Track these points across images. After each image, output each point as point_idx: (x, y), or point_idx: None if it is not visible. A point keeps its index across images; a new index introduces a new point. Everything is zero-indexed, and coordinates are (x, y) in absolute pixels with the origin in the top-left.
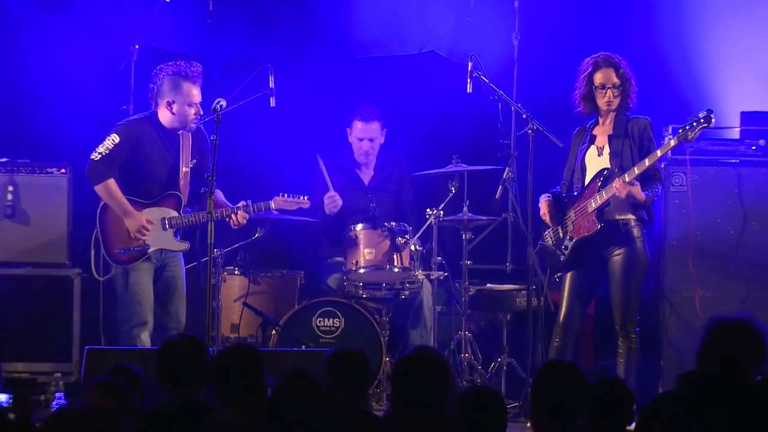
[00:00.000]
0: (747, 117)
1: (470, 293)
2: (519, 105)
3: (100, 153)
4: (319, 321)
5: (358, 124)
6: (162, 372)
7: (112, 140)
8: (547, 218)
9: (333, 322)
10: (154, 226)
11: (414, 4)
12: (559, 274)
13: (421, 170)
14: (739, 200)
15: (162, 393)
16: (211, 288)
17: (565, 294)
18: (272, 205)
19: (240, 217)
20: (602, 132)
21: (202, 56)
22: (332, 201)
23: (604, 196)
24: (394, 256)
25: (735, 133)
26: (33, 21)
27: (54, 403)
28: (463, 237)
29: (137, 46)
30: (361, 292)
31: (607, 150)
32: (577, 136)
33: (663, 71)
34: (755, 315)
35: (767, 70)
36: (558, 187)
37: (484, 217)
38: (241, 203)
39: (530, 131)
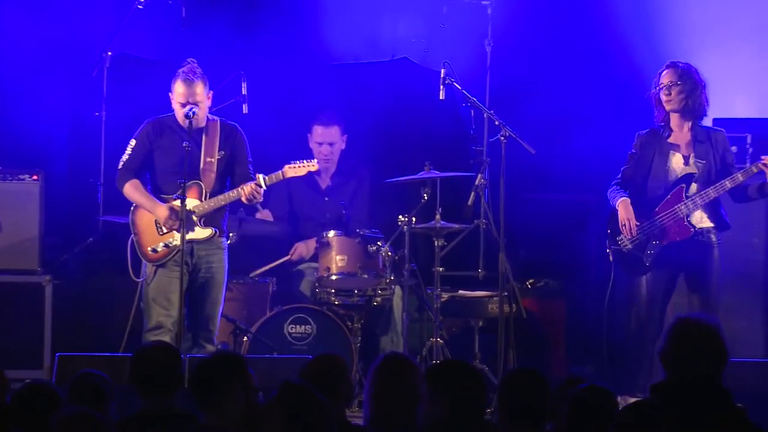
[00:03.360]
0: (719, 123)
1: (442, 300)
2: (492, 112)
3: (122, 161)
4: (291, 328)
5: (317, 129)
6: (135, 379)
7: (130, 146)
8: (633, 222)
9: (305, 329)
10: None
11: (387, 11)
12: (540, 281)
13: (393, 177)
14: None
15: (134, 400)
16: (183, 295)
17: (644, 299)
18: (281, 175)
19: (249, 189)
20: (684, 139)
21: (175, 63)
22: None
23: (698, 201)
24: (367, 263)
25: None
26: (3, 26)
27: None
28: (436, 244)
29: (110, 53)
30: (333, 298)
31: (692, 158)
32: (647, 139)
33: (637, 77)
34: (729, 319)
35: (740, 78)
36: (623, 190)
37: (456, 225)
38: (257, 176)
39: (503, 138)
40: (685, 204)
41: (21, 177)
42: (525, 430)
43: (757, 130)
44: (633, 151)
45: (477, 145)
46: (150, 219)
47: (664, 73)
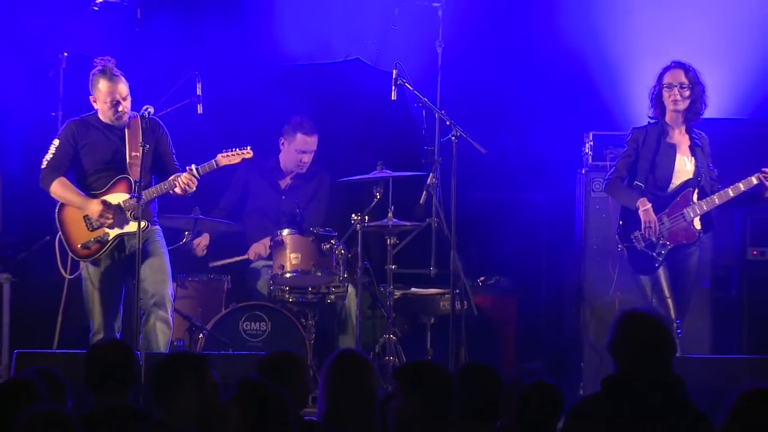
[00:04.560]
0: None
1: (395, 297)
2: (443, 112)
3: (46, 160)
4: (246, 325)
5: (301, 138)
6: (89, 377)
7: (54, 145)
8: (657, 225)
9: (259, 326)
10: (111, 212)
11: (340, 12)
12: (491, 278)
13: (346, 176)
14: None
15: (88, 396)
16: (138, 292)
17: (648, 296)
18: (215, 164)
19: (185, 179)
20: (683, 141)
21: (130, 64)
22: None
23: (704, 207)
24: (321, 261)
25: None
26: None
27: None
28: (388, 242)
29: (66, 54)
30: (287, 296)
31: (693, 161)
32: (647, 135)
33: (584, 79)
34: None
35: None
36: (624, 183)
37: (408, 223)
38: (188, 167)
39: (454, 138)
40: (692, 208)
41: None
42: (478, 426)
43: (701, 129)
44: (629, 146)
45: (428, 145)
46: (78, 215)
47: (671, 72)
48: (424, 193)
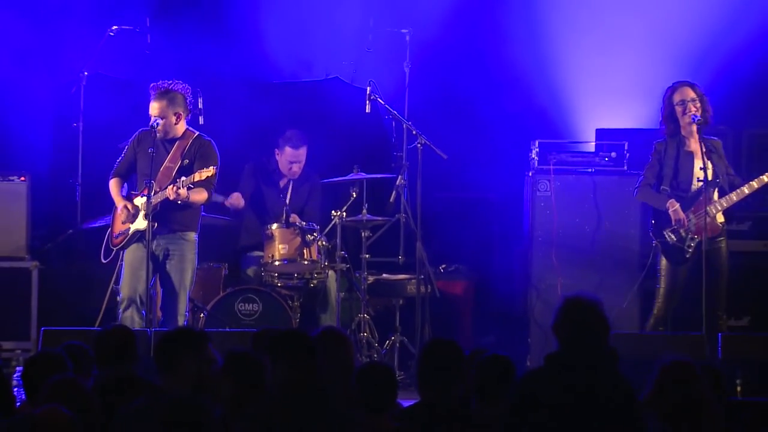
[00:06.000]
0: (601, 133)
1: (369, 282)
2: (410, 123)
3: (117, 162)
4: (241, 306)
5: (289, 151)
6: (97, 355)
7: (123, 151)
8: (687, 221)
9: (252, 307)
10: (137, 211)
11: (320, 37)
12: (451, 265)
13: (327, 178)
14: (594, 203)
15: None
16: (149, 278)
17: (665, 289)
18: (193, 178)
19: (170, 189)
20: (696, 147)
21: (141, 82)
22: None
23: (724, 204)
24: (305, 251)
25: (591, 147)
26: None
27: (15, 375)
28: (363, 234)
29: (86, 73)
30: (276, 281)
31: (710, 165)
32: (668, 146)
33: (530, 95)
34: (608, 298)
35: (618, 91)
36: (653, 189)
37: (380, 218)
38: (178, 179)
39: (419, 145)
40: (713, 205)
41: (11, 178)
42: (442, 392)
43: (633, 138)
44: (653, 158)
45: (397, 151)
46: (120, 212)
47: (680, 91)
48: (394, 192)
